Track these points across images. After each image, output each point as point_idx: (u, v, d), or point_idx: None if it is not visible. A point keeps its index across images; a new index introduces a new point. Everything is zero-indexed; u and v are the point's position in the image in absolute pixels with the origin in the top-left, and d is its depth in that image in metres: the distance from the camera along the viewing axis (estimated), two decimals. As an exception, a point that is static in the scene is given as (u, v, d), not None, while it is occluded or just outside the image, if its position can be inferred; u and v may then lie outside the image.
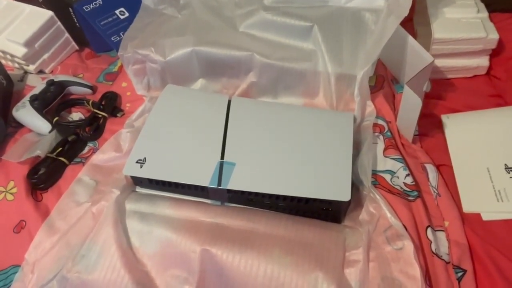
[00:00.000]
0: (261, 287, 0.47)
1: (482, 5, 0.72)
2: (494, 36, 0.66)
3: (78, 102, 0.74)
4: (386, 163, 0.57)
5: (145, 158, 0.57)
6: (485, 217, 0.51)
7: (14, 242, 0.56)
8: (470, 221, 0.51)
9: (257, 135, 0.60)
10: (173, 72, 0.71)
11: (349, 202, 0.52)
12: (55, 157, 0.63)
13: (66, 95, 0.75)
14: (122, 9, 0.82)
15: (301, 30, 0.70)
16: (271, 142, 0.58)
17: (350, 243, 0.50)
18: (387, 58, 0.72)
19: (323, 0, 0.71)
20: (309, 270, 0.47)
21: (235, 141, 0.58)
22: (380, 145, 0.59)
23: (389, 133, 0.60)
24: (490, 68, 0.71)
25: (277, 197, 0.53)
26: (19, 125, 0.70)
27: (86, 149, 0.66)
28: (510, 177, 0.54)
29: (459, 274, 0.47)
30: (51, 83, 0.73)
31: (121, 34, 0.80)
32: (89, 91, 0.76)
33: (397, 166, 0.56)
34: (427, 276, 0.47)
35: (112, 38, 0.79)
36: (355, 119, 0.62)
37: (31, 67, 0.80)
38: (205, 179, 0.54)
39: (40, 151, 0.62)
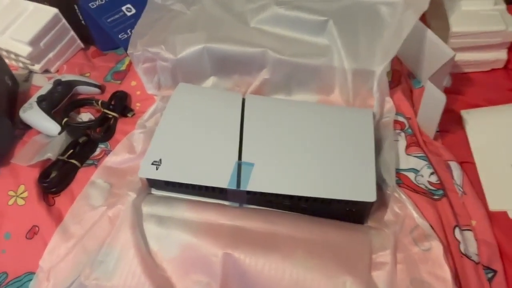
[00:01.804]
0: (286, 292, 0.45)
1: (500, -3, 0.70)
2: (513, 28, 0.65)
3: (87, 102, 0.72)
4: (409, 161, 0.55)
5: (160, 160, 0.55)
6: (513, 215, 0.50)
7: (27, 248, 0.54)
8: (497, 220, 0.50)
9: (274, 134, 0.58)
10: (184, 70, 0.69)
11: (373, 202, 0.50)
12: (66, 159, 0.61)
13: (74, 95, 0.73)
14: (128, 5, 0.79)
15: (315, 24, 0.68)
16: (289, 141, 0.57)
17: (377, 245, 0.48)
18: (403, 52, 0.69)
19: (337, -7, 0.69)
20: (336, 274, 0.45)
21: (252, 141, 0.57)
22: (402, 143, 0.58)
23: (410, 130, 0.59)
24: (507, 61, 0.69)
25: (299, 198, 0.51)
26: (26, 127, 0.68)
27: (98, 150, 0.65)
28: (536, 174, 0.53)
29: (489, 275, 0.46)
30: (58, 83, 0.71)
31: (128, 31, 0.78)
32: (97, 90, 0.75)
33: (420, 164, 0.54)
34: (456, 277, 0.45)
35: (119, 36, 0.77)
36: (374, 116, 0.61)
37: (36, 67, 0.78)
38: (223, 181, 0.53)
39: (51, 154, 0.60)
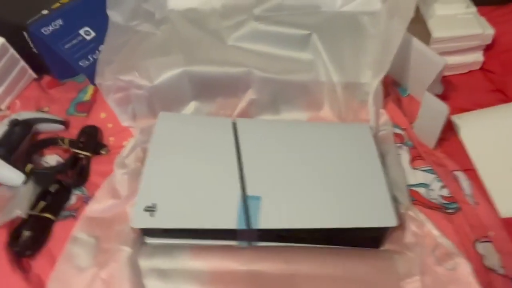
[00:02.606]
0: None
1: (468, 0, 0.71)
2: (490, 31, 0.66)
3: (51, 142, 0.63)
4: (417, 176, 0.54)
5: (155, 204, 0.49)
6: (525, 220, 0.50)
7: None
8: (509, 226, 0.50)
9: (275, 160, 0.54)
10: (162, 96, 0.63)
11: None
12: (38, 214, 0.53)
13: (33, 135, 0.64)
14: (86, 28, 0.71)
15: (298, 39, 0.65)
16: (292, 166, 0.53)
17: (403, 271, 0.46)
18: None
19: (315, 5, 0.67)
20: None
21: (254, 170, 0.52)
22: (405, 156, 0.56)
23: (410, 143, 0.58)
24: (483, 63, 0.71)
25: (316, 230, 0.48)
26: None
27: (73, 198, 0.57)
28: (537, 175, 0.53)
29: (517, 287, 0.46)
30: (15, 123, 0.61)
31: (89, 57, 0.70)
32: (60, 127, 0.66)
33: (429, 177, 0.53)
34: (486, 294, 0.44)
35: (79, 63, 0.69)
36: (371, 130, 0.59)
37: (-16, 106, 0.67)
38: (231, 221, 0.48)
39: (20, 210, 0.51)
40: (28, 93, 0.72)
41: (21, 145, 0.61)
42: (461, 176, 0.54)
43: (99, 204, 0.54)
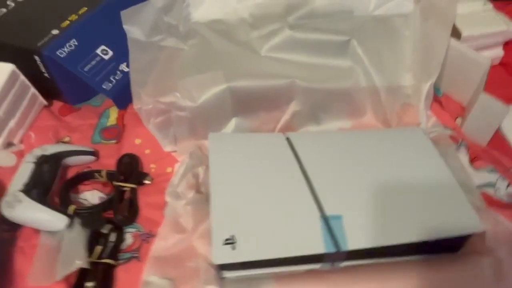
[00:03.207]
0: None
1: (483, -4, 0.73)
2: (512, 27, 0.69)
3: (87, 176, 0.57)
4: (481, 176, 0.55)
5: (233, 236, 0.46)
6: None
7: None
8: None
9: (342, 174, 0.52)
10: (204, 116, 0.59)
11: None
12: (98, 261, 0.47)
13: (61, 171, 0.58)
14: (103, 47, 0.65)
15: (336, 46, 0.64)
16: (361, 179, 0.52)
17: (494, 274, 0.46)
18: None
19: (348, 11, 0.65)
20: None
21: (324, 187, 0.50)
22: (465, 158, 0.57)
23: (465, 143, 0.58)
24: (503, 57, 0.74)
25: (407, 243, 0.47)
26: (12, 227, 0.52)
27: (129, 237, 0.52)
28: None
29: None
30: (43, 159, 0.55)
31: (111, 78, 0.64)
32: (91, 158, 0.60)
33: (494, 177, 0.54)
34: None
35: (103, 86, 0.63)
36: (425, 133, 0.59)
37: (-4, 142, 0.59)
38: (318, 245, 0.45)
39: (80, 260, 0.46)
40: (42, 123, 0.65)
41: (54, 183, 0.55)
42: (519, 171, 0.56)
43: (165, 242, 0.49)
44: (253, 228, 0.47)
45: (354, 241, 0.46)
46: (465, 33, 0.67)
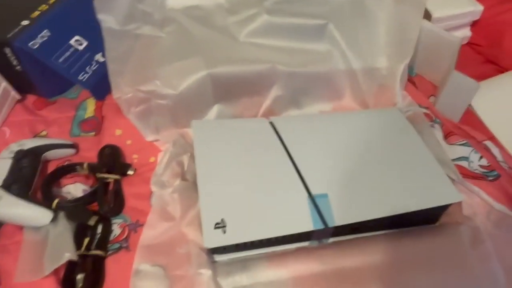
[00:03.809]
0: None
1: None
2: (480, 8, 0.72)
3: (69, 169, 0.56)
4: (455, 151, 0.57)
5: (223, 220, 0.46)
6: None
7: None
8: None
9: (325, 155, 0.54)
10: (186, 104, 0.59)
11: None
12: (87, 253, 0.47)
13: (41, 166, 0.56)
14: (77, 37, 0.64)
15: (314, 30, 0.64)
16: (343, 159, 0.53)
17: (470, 240, 0.49)
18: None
19: (323, -6, 0.66)
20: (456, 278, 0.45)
21: (309, 168, 0.51)
22: (439, 134, 0.59)
23: (438, 120, 0.61)
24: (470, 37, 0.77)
25: (389, 217, 0.49)
26: (-6, 225, 0.50)
27: (116, 228, 0.51)
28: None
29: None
30: (21, 155, 0.53)
31: (87, 69, 0.63)
32: (71, 151, 0.59)
33: (467, 151, 0.57)
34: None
35: (79, 77, 0.61)
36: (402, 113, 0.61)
37: (-31, 139, 0.57)
38: (307, 223, 0.47)
39: (69, 253, 0.45)
40: (16, 118, 0.63)
41: (34, 178, 0.54)
42: (490, 145, 0.59)
43: (153, 230, 0.49)
44: (242, 210, 0.47)
45: (341, 217, 0.47)
46: (435, 14, 0.69)
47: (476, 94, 0.65)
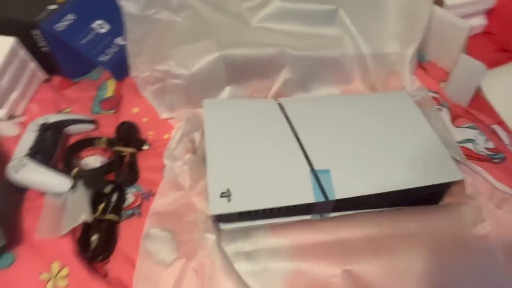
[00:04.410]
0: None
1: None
2: (494, -5, 0.71)
3: (87, 143, 0.60)
4: (462, 133, 0.58)
5: (228, 190, 0.49)
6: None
7: (97, 336, 0.44)
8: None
9: (331, 134, 0.55)
10: (199, 84, 0.62)
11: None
12: (101, 217, 0.50)
13: (63, 139, 0.60)
14: (99, 21, 0.68)
15: (324, 15, 0.66)
16: (348, 137, 0.55)
17: (471, 219, 0.50)
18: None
19: (335, -20, 0.68)
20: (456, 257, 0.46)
21: (313, 146, 0.53)
22: (446, 117, 0.60)
23: (446, 103, 0.61)
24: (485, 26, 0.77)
25: (386, 193, 0.50)
26: (19, 190, 0.54)
27: (130, 196, 0.54)
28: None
29: None
30: (46, 127, 0.57)
31: (106, 51, 0.66)
32: (91, 126, 0.63)
33: (473, 133, 0.57)
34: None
35: (99, 59, 0.65)
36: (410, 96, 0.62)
37: (0, 113, 0.62)
38: (308, 196, 0.49)
39: (85, 215, 0.49)
40: (42, 96, 0.68)
41: (56, 149, 0.58)
42: (498, 129, 0.59)
43: (164, 198, 0.52)
44: (247, 182, 0.50)
45: (341, 191, 0.49)
46: (448, 1, 0.70)
47: (486, 80, 0.65)
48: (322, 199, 0.49)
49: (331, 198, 0.49)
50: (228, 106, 0.60)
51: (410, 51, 0.62)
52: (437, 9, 0.64)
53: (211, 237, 0.47)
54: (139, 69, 0.60)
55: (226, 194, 0.48)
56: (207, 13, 0.66)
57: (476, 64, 0.56)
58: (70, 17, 0.64)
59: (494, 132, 0.58)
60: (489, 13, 0.76)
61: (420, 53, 0.72)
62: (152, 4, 0.67)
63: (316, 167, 0.51)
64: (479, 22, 0.75)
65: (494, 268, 0.46)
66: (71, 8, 0.65)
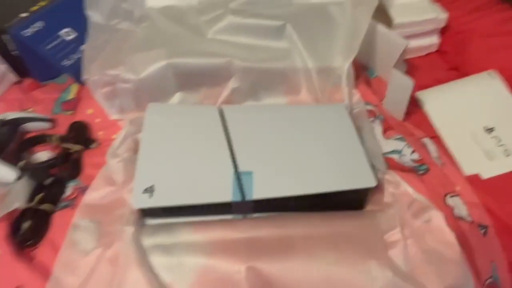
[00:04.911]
0: (319, 290, 0.46)
1: (423, -11, 0.79)
2: (443, 15, 0.74)
3: (40, 139, 0.64)
4: (390, 144, 0.60)
5: (152, 186, 0.52)
6: (484, 175, 0.57)
7: (15, 314, 0.47)
8: (473, 182, 0.57)
9: (262, 140, 0.58)
10: (148, 89, 0.66)
11: (373, 187, 0.53)
12: (36, 206, 0.54)
13: (21, 135, 0.65)
14: (67, 29, 0.73)
15: (273, 30, 0.70)
16: (278, 144, 0.58)
17: (385, 226, 0.51)
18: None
19: (288, -2, 0.72)
20: (360, 262, 0.47)
21: (243, 149, 0.56)
22: (378, 129, 0.62)
23: (381, 116, 0.63)
24: (439, 45, 0.79)
25: (304, 197, 0.52)
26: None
27: (69, 190, 0.58)
28: (492, 137, 0.61)
29: (483, 231, 0.52)
30: (2, 123, 0.62)
31: (71, 56, 0.72)
32: (47, 125, 0.67)
33: (400, 145, 0.59)
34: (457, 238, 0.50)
35: (62, 63, 0.70)
36: (346, 109, 0.64)
37: (-34, 109, 0.67)
38: (226, 194, 0.51)
39: (18, 203, 0.53)
40: (10, 96, 0.73)
41: (10, 144, 0.62)
42: (428, 142, 0.60)
43: (96, 192, 0.56)
44: (170, 180, 0.53)
45: (260, 192, 0.52)
46: (396, 20, 0.73)
47: (428, 96, 0.67)
48: (239, 198, 0.51)
49: (248, 198, 0.51)
50: (170, 110, 0.64)
51: (346, 65, 0.65)
52: (379, 26, 0.66)
53: (129, 229, 0.50)
54: (90, 73, 0.64)
55: (149, 190, 0.51)
56: (164, 24, 0.71)
57: (405, 79, 0.58)
58: (38, 25, 0.70)
59: (422, 145, 0.60)
60: (444, 32, 0.78)
61: (369, 69, 0.74)
62: (116, 14, 0.73)
63: (240, 169, 0.54)
64: (432, 41, 0.77)
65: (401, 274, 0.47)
66: (40, 16, 0.71)
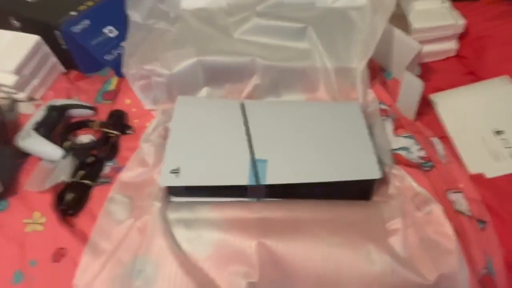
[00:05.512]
0: (320, 269, 0.51)
1: (444, -4, 0.82)
2: (462, 21, 0.77)
3: (82, 124, 0.73)
4: (399, 142, 0.64)
5: (178, 168, 0.58)
6: (489, 175, 0.60)
7: (57, 271, 0.55)
8: (477, 180, 0.60)
9: (279, 132, 0.64)
10: (179, 83, 0.73)
11: (379, 179, 0.57)
12: (79, 181, 0.62)
13: (67, 119, 0.74)
14: (110, 27, 0.81)
15: (295, 31, 0.75)
16: (293, 136, 0.63)
17: (388, 215, 0.55)
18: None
19: (310, 2, 0.77)
20: (360, 245, 0.52)
21: (260, 140, 0.62)
22: (389, 127, 0.66)
23: (393, 115, 0.67)
24: (458, 50, 0.81)
25: (314, 185, 0.57)
26: (24, 156, 0.68)
27: (107, 169, 0.66)
28: (500, 139, 0.63)
29: (481, 226, 0.55)
30: (52, 108, 0.71)
31: (113, 52, 0.80)
32: (90, 112, 0.75)
33: (409, 142, 0.63)
34: (456, 231, 0.53)
35: (105, 57, 0.79)
36: (360, 107, 0.68)
37: (21, 95, 0.76)
38: (243, 178, 0.57)
39: (64, 177, 0.61)
40: (59, 85, 0.82)
41: (57, 126, 0.71)
42: (436, 141, 0.64)
43: (130, 172, 0.63)
44: (195, 163, 0.59)
45: (273, 178, 0.57)
46: (414, 26, 0.76)
47: (442, 98, 0.71)
48: (254, 182, 0.57)
49: (262, 182, 0.57)
50: (197, 103, 0.70)
51: (362, 65, 0.69)
52: (395, 30, 0.70)
53: (157, 205, 0.56)
54: (129, 67, 0.72)
55: (175, 171, 0.58)
56: (196, 25, 0.78)
57: (415, 80, 0.62)
58: (85, 22, 0.79)
59: (430, 143, 0.63)
60: (463, 38, 0.80)
61: (386, 71, 0.78)
62: (153, 15, 0.80)
63: (256, 157, 0.60)
64: (450, 46, 0.80)
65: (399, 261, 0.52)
66: (87, 15, 0.79)
